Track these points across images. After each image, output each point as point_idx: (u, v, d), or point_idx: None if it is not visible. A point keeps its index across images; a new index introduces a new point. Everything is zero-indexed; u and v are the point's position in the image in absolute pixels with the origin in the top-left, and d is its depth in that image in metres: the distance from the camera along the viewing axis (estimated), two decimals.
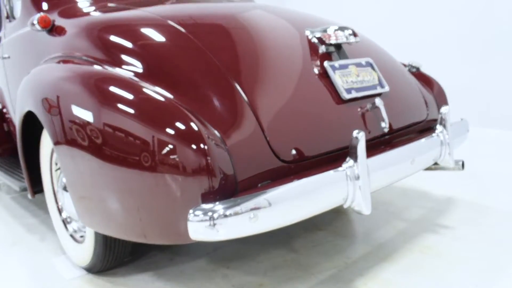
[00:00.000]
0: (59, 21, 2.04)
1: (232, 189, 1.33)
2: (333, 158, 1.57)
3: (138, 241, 1.43)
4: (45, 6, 2.25)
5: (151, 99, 1.42)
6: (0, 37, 2.79)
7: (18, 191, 2.31)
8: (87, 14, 2.06)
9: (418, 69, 2.33)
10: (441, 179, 2.80)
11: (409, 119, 1.96)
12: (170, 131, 1.32)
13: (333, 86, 1.72)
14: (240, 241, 2.04)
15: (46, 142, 1.92)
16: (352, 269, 1.79)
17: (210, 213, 1.22)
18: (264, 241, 2.06)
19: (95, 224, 1.55)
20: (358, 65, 1.86)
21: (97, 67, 1.66)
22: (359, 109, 1.75)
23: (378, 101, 1.79)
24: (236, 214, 1.22)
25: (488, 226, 2.13)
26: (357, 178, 1.45)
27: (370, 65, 1.91)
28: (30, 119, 1.91)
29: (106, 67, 1.64)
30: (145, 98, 1.43)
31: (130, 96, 1.44)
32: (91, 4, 2.20)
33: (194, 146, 1.29)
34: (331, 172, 1.44)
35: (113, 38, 1.73)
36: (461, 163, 1.96)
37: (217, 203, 1.25)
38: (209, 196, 1.28)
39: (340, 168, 1.46)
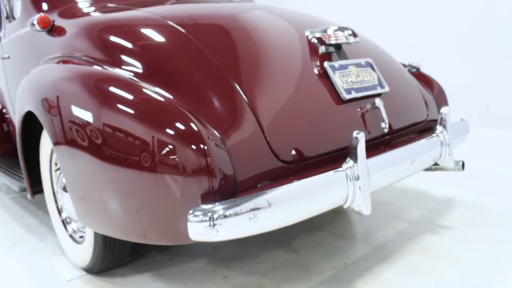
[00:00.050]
0: (59, 22, 2.04)
1: (232, 189, 1.33)
2: (333, 159, 1.57)
3: (137, 241, 1.43)
4: (45, 6, 2.25)
5: (151, 99, 1.42)
6: (0, 37, 2.79)
7: (18, 191, 2.31)
8: (87, 14, 2.06)
9: (418, 69, 2.33)
10: (441, 179, 2.80)
11: (409, 119, 1.96)
12: (170, 131, 1.32)
13: (333, 87, 1.72)
14: (240, 241, 2.04)
15: (45, 143, 1.92)
16: (352, 269, 1.78)
17: (210, 214, 1.22)
18: (264, 241, 2.06)
19: (95, 225, 1.55)
20: (358, 65, 1.86)
21: (97, 68, 1.65)
22: (359, 110, 1.75)
23: (378, 101, 1.79)
24: (236, 214, 1.22)
25: (488, 226, 2.13)
26: (357, 178, 1.45)
27: (370, 65, 1.91)
28: (30, 119, 1.91)
29: (106, 67, 1.64)
30: (145, 98, 1.43)
31: (130, 97, 1.44)
32: (91, 5, 2.20)
33: (194, 147, 1.29)
34: (331, 172, 1.44)
35: (113, 38, 1.73)
36: (461, 163, 1.96)
37: (217, 203, 1.25)
38: (209, 196, 1.28)
39: (340, 169, 1.46)
